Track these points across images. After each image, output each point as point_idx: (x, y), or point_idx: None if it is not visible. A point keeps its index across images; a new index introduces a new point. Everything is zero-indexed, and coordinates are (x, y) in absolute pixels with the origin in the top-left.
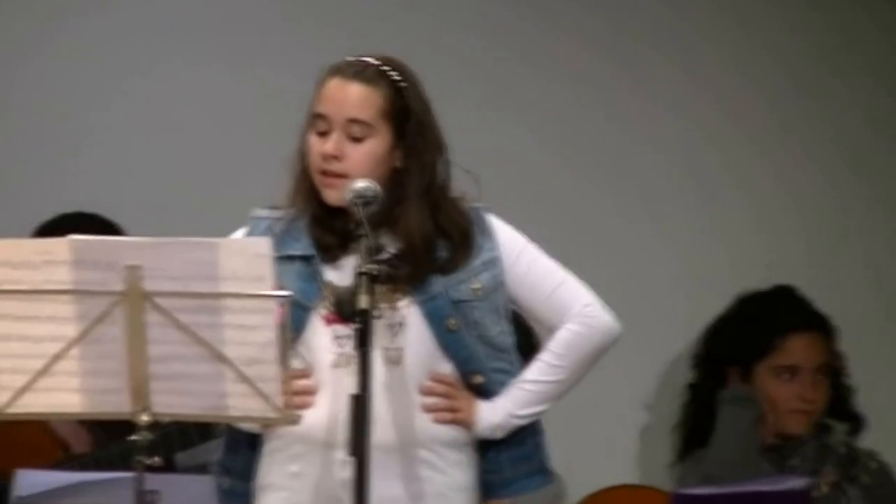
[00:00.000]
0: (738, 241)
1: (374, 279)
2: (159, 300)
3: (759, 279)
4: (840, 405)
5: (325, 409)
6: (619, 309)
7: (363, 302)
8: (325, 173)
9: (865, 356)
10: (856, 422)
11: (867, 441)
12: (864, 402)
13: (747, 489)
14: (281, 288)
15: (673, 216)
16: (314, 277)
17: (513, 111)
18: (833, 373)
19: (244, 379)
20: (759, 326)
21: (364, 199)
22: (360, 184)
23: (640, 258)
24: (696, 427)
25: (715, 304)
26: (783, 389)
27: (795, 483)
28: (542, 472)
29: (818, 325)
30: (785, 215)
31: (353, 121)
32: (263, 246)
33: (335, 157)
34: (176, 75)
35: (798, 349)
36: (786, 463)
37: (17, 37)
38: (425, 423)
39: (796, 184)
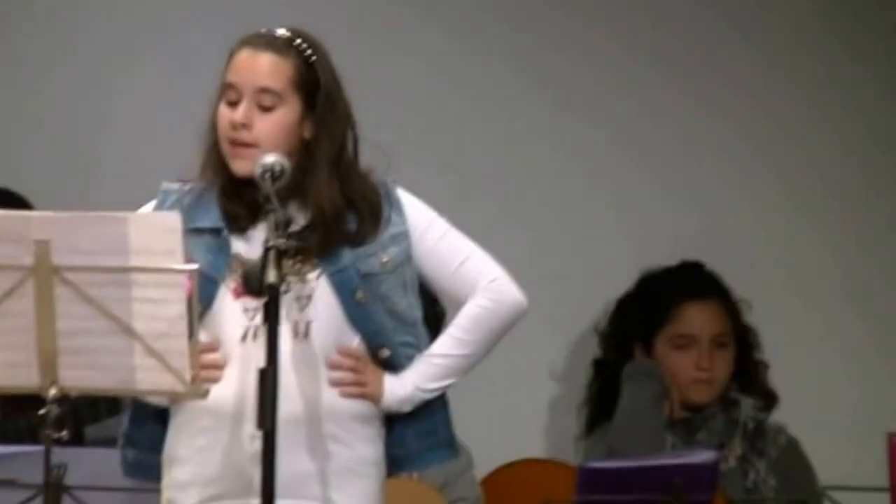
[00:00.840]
0: (646, 219)
1: (282, 253)
2: (68, 274)
3: (668, 256)
4: (750, 380)
5: (234, 383)
6: (530, 282)
7: (271, 276)
8: (234, 143)
9: (780, 332)
10: (767, 397)
11: (780, 417)
12: (777, 378)
13: (654, 462)
14: (190, 261)
15: (583, 192)
16: (223, 250)
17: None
18: (743, 347)
19: (153, 353)
20: (656, 298)
21: (272, 172)
22: (269, 158)
23: (552, 231)
24: (601, 402)
25: (625, 279)
26: (680, 359)
27: (703, 456)
28: (447, 446)
29: (715, 295)
30: (694, 192)
31: (263, 90)
32: (173, 220)
33: (244, 126)
34: (104, 42)
35: (693, 318)
36: (693, 436)
37: None
38: (333, 397)
39: (704, 160)
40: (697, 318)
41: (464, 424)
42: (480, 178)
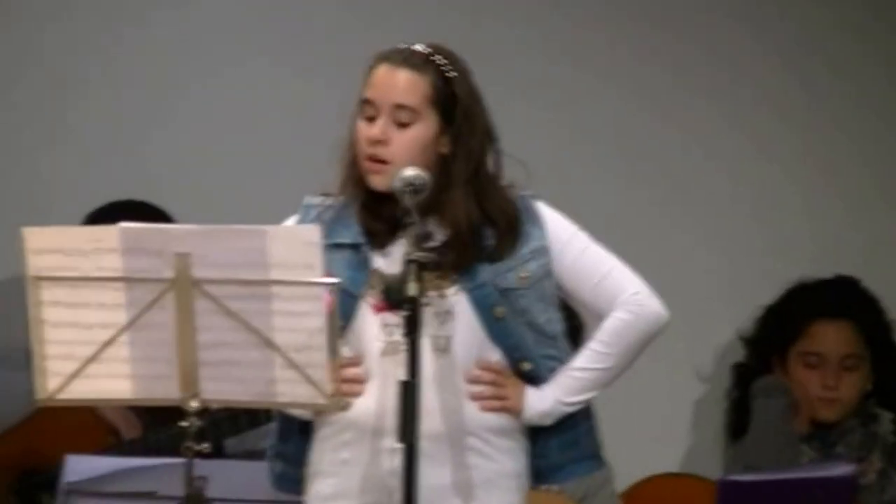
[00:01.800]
0: (802, 227)
1: (422, 267)
2: (208, 287)
3: (823, 267)
4: (891, 396)
5: (375, 397)
6: (671, 298)
7: (412, 289)
8: (371, 158)
9: None
10: None
11: None
12: None
13: (793, 475)
14: (330, 275)
15: (728, 198)
16: (363, 265)
17: (563, 108)
18: (885, 363)
19: (293, 365)
20: (793, 312)
21: (413, 186)
22: (409, 171)
23: (691, 246)
24: (741, 411)
25: (772, 288)
26: (808, 376)
27: (842, 469)
28: (591, 458)
29: (848, 316)
30: (856, 203)
31: (400, 106)
32: (313, 233)
33: (381, 142)
34: (227, 67)
35: (822, 336)
36: (831, 450)
37: (83, 32)
38: (473, 411)
39: (847, 176)
40: (827, 338)
41: (603, 437)
42: (625, 185)
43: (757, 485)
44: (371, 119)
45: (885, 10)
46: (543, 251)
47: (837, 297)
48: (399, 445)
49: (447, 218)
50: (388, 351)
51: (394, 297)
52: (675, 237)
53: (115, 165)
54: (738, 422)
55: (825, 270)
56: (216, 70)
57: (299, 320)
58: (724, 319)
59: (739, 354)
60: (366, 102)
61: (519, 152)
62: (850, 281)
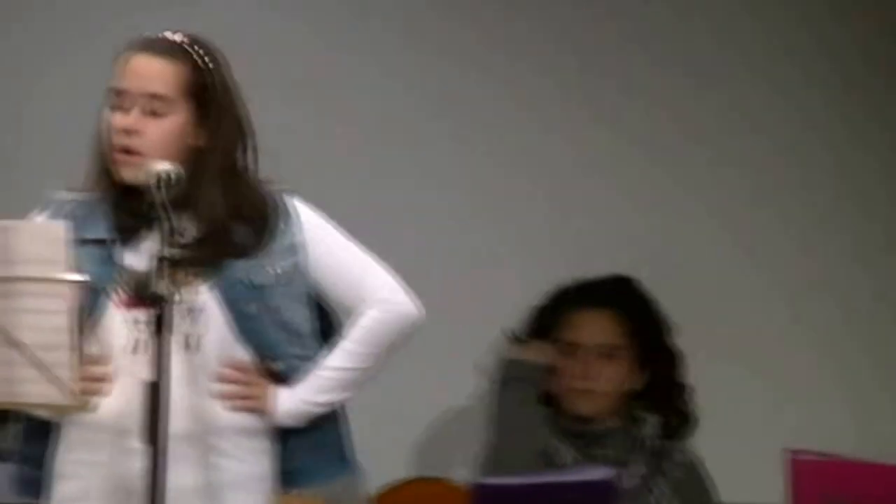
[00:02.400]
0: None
1: (173, 264)
2: None
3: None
4: (662, 400)
5: (121, 396)
6: (437, 296)
7: (161, 287)
8: (122, 150)
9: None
10: (681, 419)
11: (702, 442)
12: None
13: (550, 479)
14: (77, 272)
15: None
16: (111, 261)
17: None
18: (659, 366)
19: (37, 364)
20: (554, 305)
21: (164, 181)
22: (161, 165)
23: (461, 239)
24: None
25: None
26: (565, 365)
27: (601, 473)
28: (340, 461)
29: (607, 304)
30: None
31: (153, 96)
32: (59, 230)
33: (134, 132)
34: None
35: (579, 325)
36: (590, 450)
37: None
38: (221, 411)
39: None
40: (584, 327)
41: (358, 439)
42: (392, 181)
43: (511, 488)
44: (123, 110)
45: None
46: (297, 248)
47: (599, 289)
48: (144, 446)
49: (199, 213)
50: (136, 349)
51: (143, 295)
52: (441, 236)
53: None
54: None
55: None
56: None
57: (44, 318)
58: (489, 320)
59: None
60: (117, 93)
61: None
62: (623, 278)
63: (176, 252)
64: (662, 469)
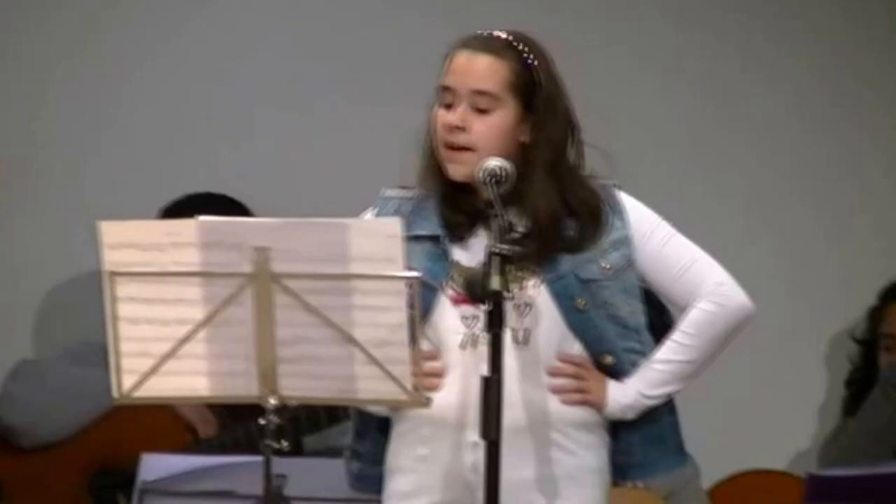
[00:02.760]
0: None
1: (505, 259)
2: (288, 282)
3: None
4: None
5: (454, 391)
6: (775, 287)
7: (495, 283)
8: (450, 146)
9: None
10: None
11: None
12: None
13: (887, 471)
14: (409, 268)
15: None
16: (442, 258)
17: (652, 102)
18: None
19: (374, 361)
20: (882, 301)
21: (496, 177)
22: (493, 162)
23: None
24: (859, 391)
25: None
26: (886, 360)
27: None
28: (676, 453)
29: None
30: None
31: (479, 92)
32: (394, 227)
33: (460, 129)
34: (300, 54)
35: (891, 317)
36: None
37: (148, 25)
38: (554, 405)
39: None
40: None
41: (690, 433)
42: (714, 178)
43: (847, 480)
44: (449, 106)
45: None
46: (626, 242)
47: None
48: (480, 440)
49: (528, 208)
50: (467, 344)
51: (476, 291)
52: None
53: (188, 159)
54: (854, 399)
55: None
56: (289, 64)
57: (380, 315)
58: (829, 319)
59: (841, 354)
60: (444, 89)
61: (603, 143)
62: None
63: (508, 248)
64: None
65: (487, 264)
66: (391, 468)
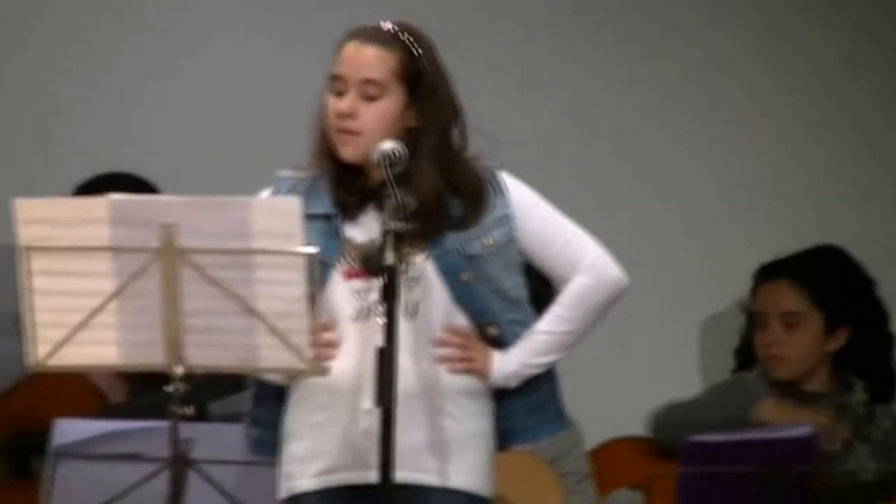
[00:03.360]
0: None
1: (399, 236)
2: (193, 257)
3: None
4: (864, 363)
5: (348, 361)
6: (644, 265)
7: (389, 258)
8: (340, 131)
9: None
10: (885, 381)
11: None
12: None
13: (756, 437)
14: (307, 244)
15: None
16: (335, 235)
17: (542, 86)
18: (858, 329)
19: (275, 332)
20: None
21: (390, 159)
22: (387, 144)
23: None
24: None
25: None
26: (757, 337)
27: (801, 430)
28: (556, 420)
29: (787, 275)
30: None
31: (368, 81)
32: (294, 205)
33: (349, 115)
34: (207, 39)
35: (762, 296)
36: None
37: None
38: (441, 374)
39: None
40: (765, 297)
41: (575, 398)
42: (595, 162)
43: (720, 445)
44: (340, 94)
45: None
46: (507, 219)
47: (784, 262)
48: (373, 407)
49: (415, 188)
50: (359, 316)
51: (372, 266)
52: (646, 212)
53: (102, 138)
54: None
55: None
56: (199, 46)
57: (281, 288)
58: (717, 292)
59: (714, 330)
60: (335, 78)
61: (487, 124)
62: (818, 249)
63: (401, 226)
64: (865, 434)
65: (382, 240)
66: (288, 433)
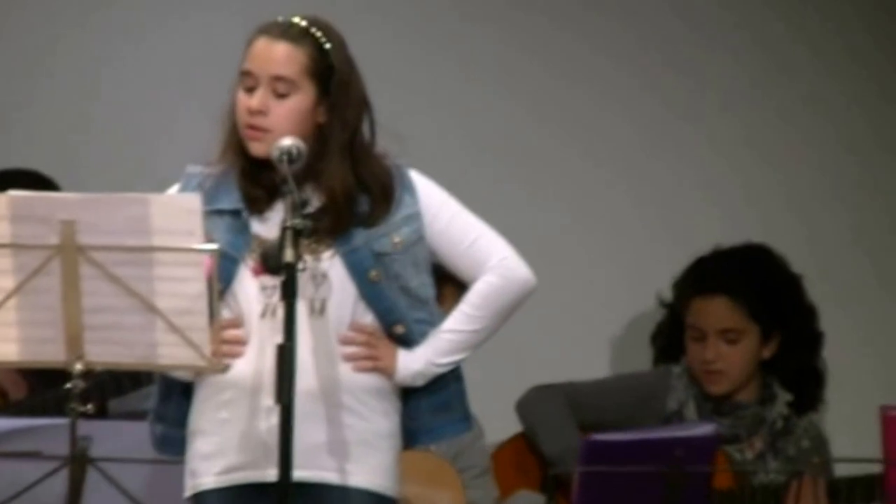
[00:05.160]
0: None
1: (298, 233)
2: (93, 254)
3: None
4: (789, 375)
5: (254, 358)
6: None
7: (288, 255)
8: (251, 127)
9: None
10: (809, 397)
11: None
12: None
13: (656, 435)
14: (210, 241)
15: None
16: (243, 231)
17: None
18: (787, 343)
19: (174, 329)
20: (682, 285)
21: (289, 155)
22: (286, 141)
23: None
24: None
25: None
26: (693, 349)
27: (703, 429)
28: (462, 419)
29: (724, 291)
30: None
31: (278, 78)
32: (193, 202)
33: (260, 112)
34: (110, 28)
35: (700, 311)
36: (719, 419)
37: None
38: (347, 372)
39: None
40: (703, 313)
41: (478, 393)
42: (503, 165)
43: (620, 444)
44: (250, 90)
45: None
46: (416, 217)
47: (715, 272)
48: (275, 404)
49: (323, 185)
50: (266, 313)
51: (271, 263)
52: (547, 215)
53: (7, 136)
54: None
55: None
56: (100, 39)
57: (180, 285)
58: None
59: (627, 326)
60: (245, 74)
61: (396, 125)
62: (741, 252)
63: (301, 223)
64: (778, 448)
65: (281, 238)
66: (193, 431)
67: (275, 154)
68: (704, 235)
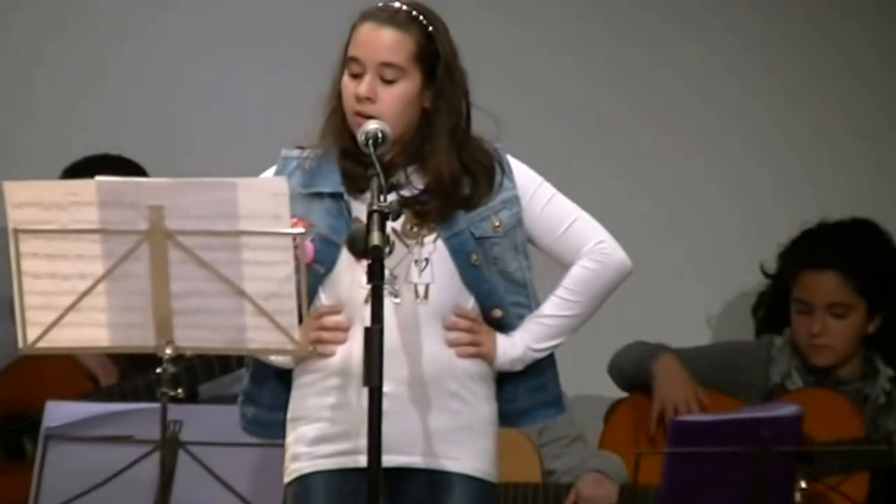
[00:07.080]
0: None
1: (385, 217)
2: (181, 238)
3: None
4: (888, 342)
5: (353, 343)
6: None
7: (375, 239)
8: (359, 114)
9: None
10: None
11: None
12: None
13: (742, 416)
14: (311, 224)
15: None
16: (343, 214)
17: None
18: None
19: (262, 312)
20: (790, 257)
21: (375, 140)
22: (371, 125)
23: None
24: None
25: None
26: (799, 322)
27: (788, 409)
28: (556, 403)
29: (834, 266)
30: None
31: (386, 64)
32: (280, 185)
33: (368, 99)
34: (204, 14)
35: (809, 285)
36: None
37: None
38: (451, 357)
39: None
40: (812, 286)
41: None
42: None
43: (706, 425)
44: (357, 76)
45: None
46: (514, 201)
47: (825, 247)
48: (389, 389)
49: (429, 168)
50: (368, 298)
51: (358, 247)
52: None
53: (91, 120)
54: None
55: None
56: (194, 24)
57: (268, 269)
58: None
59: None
60: (351, 60)
61: (491, 107)
62: (852, 227)
63: (387, 206)
64: (879, 423)
65: (368, 221)
66: (297, 416)
67: (360, 138)
68: (796, 212)
